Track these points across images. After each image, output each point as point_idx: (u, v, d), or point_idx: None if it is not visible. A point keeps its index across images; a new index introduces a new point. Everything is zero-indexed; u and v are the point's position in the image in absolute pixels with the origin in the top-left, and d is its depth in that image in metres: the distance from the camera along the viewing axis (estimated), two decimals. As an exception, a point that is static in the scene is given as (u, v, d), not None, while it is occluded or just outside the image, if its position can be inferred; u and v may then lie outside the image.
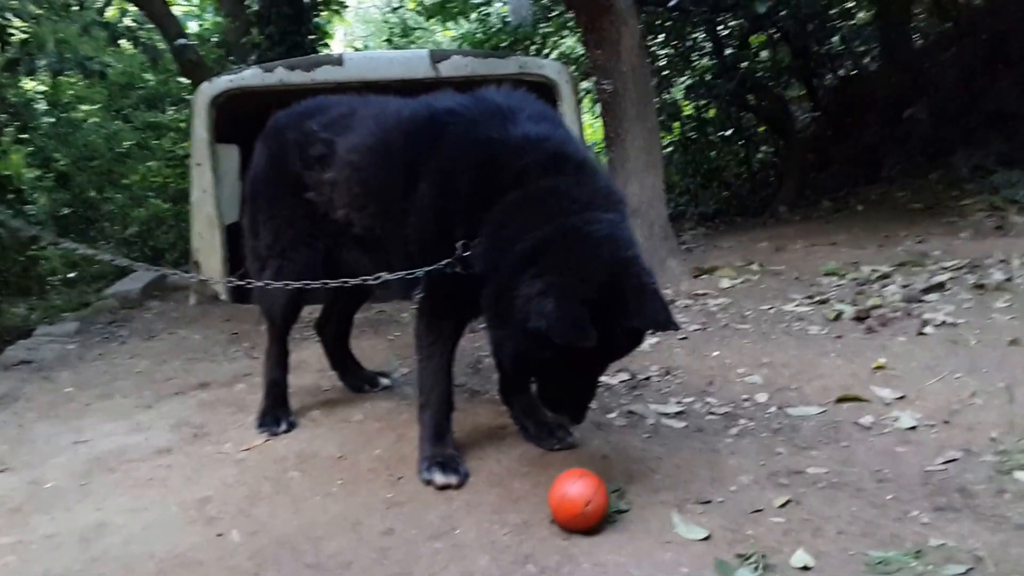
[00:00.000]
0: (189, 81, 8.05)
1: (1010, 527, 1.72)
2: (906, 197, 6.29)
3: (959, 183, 6.07)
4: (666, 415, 2.54)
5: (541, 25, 9.64)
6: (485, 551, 1.77)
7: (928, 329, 3.10)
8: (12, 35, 5.60)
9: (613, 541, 1.78)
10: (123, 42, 6.68)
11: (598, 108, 5.37)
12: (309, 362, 3.25)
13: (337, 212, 2.35)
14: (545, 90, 4.29)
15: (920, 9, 8.64)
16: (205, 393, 3.07)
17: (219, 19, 9.52)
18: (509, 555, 1.75)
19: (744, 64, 8.31)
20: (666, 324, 1.82)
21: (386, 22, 13.55)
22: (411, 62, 4.66)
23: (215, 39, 9.43)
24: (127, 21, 7.64)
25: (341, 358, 2.99)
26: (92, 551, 1.87)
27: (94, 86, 9.22)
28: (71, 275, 8.72)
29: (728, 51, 8.62)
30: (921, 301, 3.50)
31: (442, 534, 1.86)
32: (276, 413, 2.62)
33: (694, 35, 8.76)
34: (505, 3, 9.21)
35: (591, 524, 1.80)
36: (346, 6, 10.43)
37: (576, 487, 1.80)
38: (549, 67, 4.85)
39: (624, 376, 2.94)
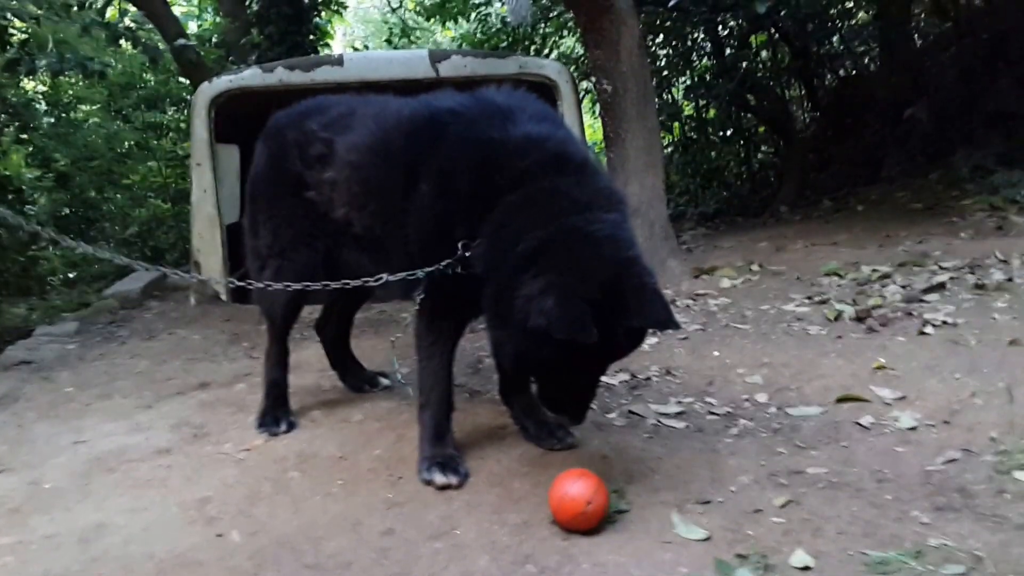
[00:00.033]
0: (189, 81, 8.06)
1: (1010, 527, 1.72)
2: (906, 197, 6.29)
3: (959, 183, 6.07)
4: (666, 415, 2.54)
5: (541, 25, 9.65)
6: (485, 551, 1.77)
7: (928, 329, 3.10)
8: (12, 35, 5.60)
9: (613, 541, 1.78)
10: (123, 42, 6.68)
11: (598, 108, 5.37)
12: (309, 362, 3.25)
13: (337, 212, 2.35)
14: (545, 90, 4.29)
15: (920, 9, 8.64)
16: (205, 393, 3.07)
17: (219, 19, 9.52)
18: (509, 555, 1.75)
19: (744, 64, 8.32)
20: (667, 323, 1.82)
21: (386, 22, 13.56)
22: (411, 62, 4.66)
23: (215, 39, 9.43)
24: (127, 21, 7.64)
25: (341, 358, 2.99)
26: (92, 551, 1.87)
27: (94, 86, 9.23)
28: (71, 275, 8.72)
29: (728, 51, 8.63)
30: (921, 301, 3.50)
31: (442, 534, 1.86)
32: (276, 413, 2.62)
33: (694, 35, 8.77)
34: (504, 3, 9.20)
35: (592, 524, 1.80)
36: (346, 6, 10.43)
37: (577, 487, 1.80)
38: (549, 67, 4.84)
39: (624, 376, 2.94)
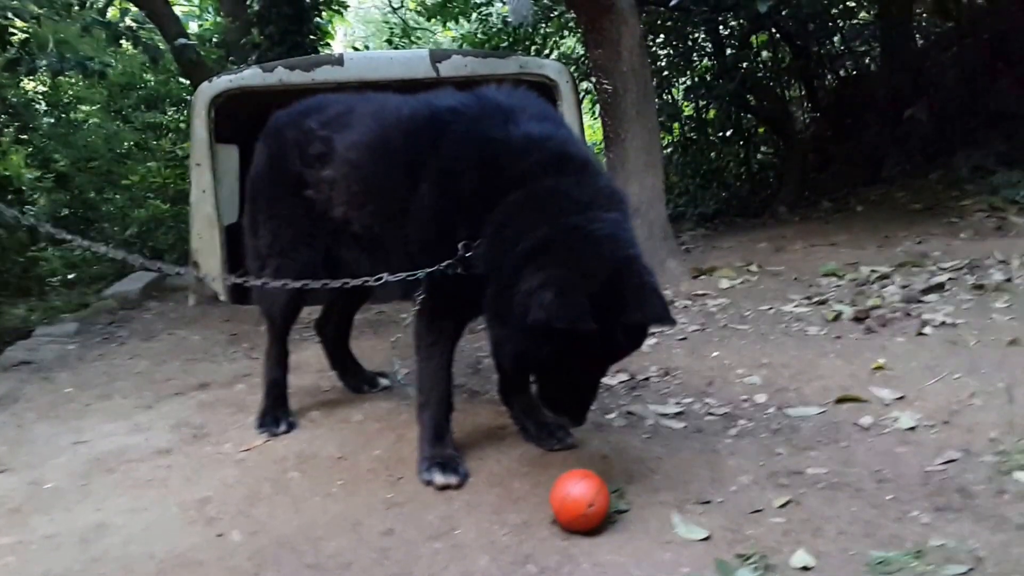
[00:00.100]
0: (189, 81, 8.06)
1: (1010, 527, 1.72)
2: (906, 197, 6.30)
3: (959, 183, 6.07)
4: (665, 416, 2.54)
5: (541, 25, 9.65)
6: (485, 551, 1.77)
7: (928, 329, 3.10)
8: (13, 35, 5.60)
9: (613, 541, 1.78)
10: (123, 42, 6.68)
11: (598, 108, 5.37)
12: (309, 362, 3.25)
13: (336, 210, 2.35)
14: (545, 90, 4.29)
15: (921, 9, 8.64)
16: (205, 394, 3.06)
17: (219, 19, 9.52)
18: (509, 555, 1.75)
19: (744, 64, 8.32)
20: (663, 318, 1.82)
21: (386, 22, 13.57)
22: (411, 62, 4.66)
23: (215, 39, 9.44)
24: (127, 21, 7.64)
25: (341, 358, 2.98)
26: (92, 551, 1.87)
27: (94, 86, 9.24)
28: (70, 276, 8.73)
29: (728, 51, 8.63)
30: (921, 301, 3.50)
31: (442, 534, 1.86)
32: (276, 413, 2.62)
33: (695, 35, 8.77)
34: (505, 3, 9.21)
35: (593, 525, 1.80)
36: (347, 6, 10.43)
37: (579, 488, 1.80)
38: (549, 67, 4.85)
39: (623, 377, 2.94)
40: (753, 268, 4.68)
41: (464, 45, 11.22)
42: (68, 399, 3.13)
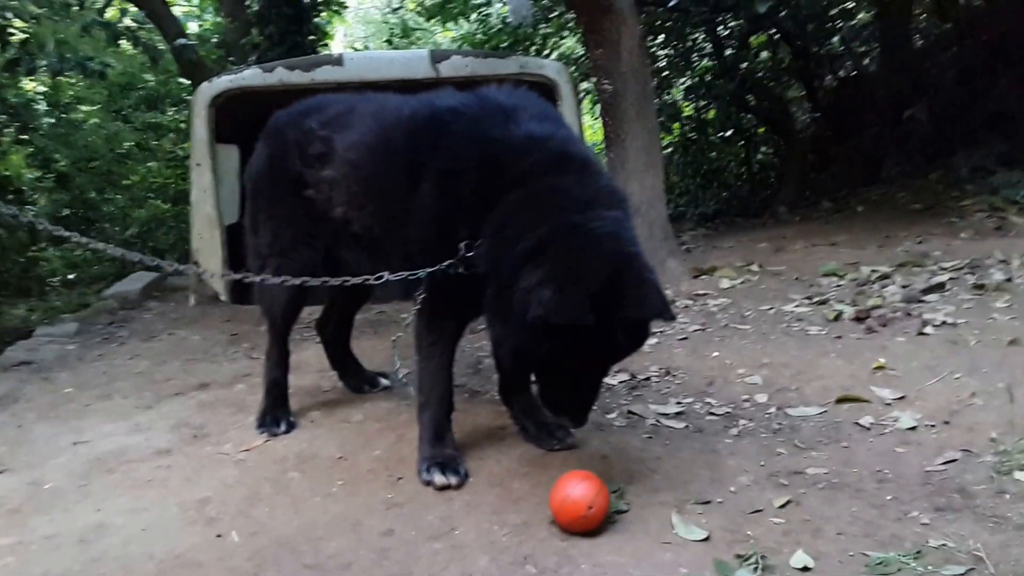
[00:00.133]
0: (189, 81, 8.06)
1: (1010, 527, 1.72)
2: (906, 198, 6.30)
3: (959, 183, 6.07)
4: (666, 416, 2.54)
5: (541, 26, 9.66)
6: (485, 552, 1.77)
7: (928, 329, 3.10)
8: (12, 35, 5.60)
9: (612, 541, 1.78)
10: (123, 42, 6.68)
11: (598, 108, 5.37)
12: (309, 362, 3.25)
13: (336, 210, 2.35)
14: (545, 90, 4.29)
15: (920, 10, 8.64)
16: (205, 394, 3.06)
17: (219, 19, 9.52)
18: (508, 556, 1.75)
19: (744, 65, 8.33)
20: (662, 312, 1.82)
21: (386, 22, 13.57)
22: (411, 62, 4.66)
23: (215, 39, 9.45)
24: (127, 21, 7.64)
25: (341, 358, 2.98)
26: (91, 552, 1.87)
27: (94, 87, 9.24)
28: (70, 276, 8.73)
29: (728, 52, 8.64)
30: (921, 301, 3.50)
31: (442, 535, 1.86)
32: (276, 413, 2.61)
33: (694, 36, 8.77)
34: (505, 4, 9.21)
35: (592, 527, 1.80)
36: (346, 6, 10.44)
37: (579, 490, 1.79)
38: (549, 67, 4.84)
39: (624, 377, 2.93)
40: (754, 268, 4.68)
41: (464, 45, 11.23)
42: (68, 399, 3.13)
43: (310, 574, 1.74)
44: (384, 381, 2.97)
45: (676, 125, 9.65)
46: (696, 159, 9.95)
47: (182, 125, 9.55)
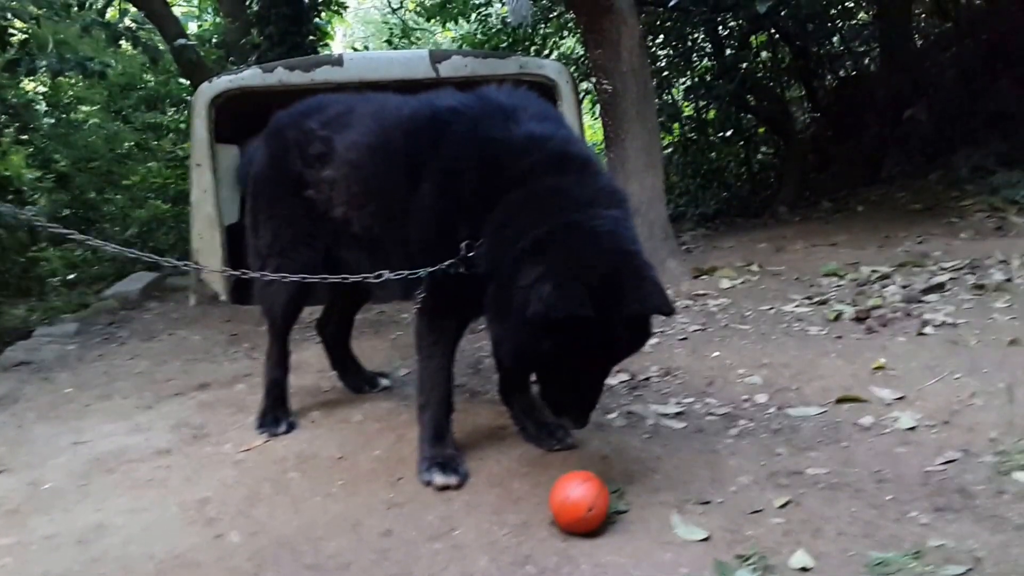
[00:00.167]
0: (189, 82, 8.06)
1: (1010, 528, 1.72)
2: (906, 198, 6.30)
3: (959, 183, 6.07)
4: (666, 416, 2.54)
5: (541, 26, 9.66)
6: (485, 552, 1.77)
7: (928, 329, 3.10)
8: (12, 36, 5.60)
9: (613, 542, 1.78)
10: (123, 42, 6.69)
11: (598, 108, 5.37)
12: (309, 363, 3.25)
13: (336, 211, 2.35)
14: (545, 90, 4.29)
15: (920, 9, 8.64)
16: (205, 394, 3.06)
17: (219, 20, 9.53)
18: (508, 556, 1.75)
19: (744, 65, 8.32)
20: (662, 306, 1.81)
21: (386, 23, 13.57)
22: (411, 62, 4.66)
23: (215, 40, 9.44)
24: (127, 21, 7.64)
25: (341, 358, 2.98)
26: (91, 552, 1.87)
27: (94, 87, 9.24)
28: (70, 276, 8.73)
29: (728, 51, 8.63)
30: (921, 301, 3.50)
31: (442, 535, 1.86)
32: (276, 414, 2.62)
33: (694, 35, 8.77)
34: (505, 4, 9.21)
35: (592, 528, 1.79)
36: (346, 7, 10.44)
37: (578, 491, 1.79)
38: (549, 67, 4.84)
39: (624, 377, 2.93)
40: (754, 268, 4.68)
41: (464, 45, 11.23)
42: (68, 399, 3.13)
43: (310, 574, 1.74)
44: (384, 381, 2.97)
45: (676, 125, 9.65)
46: (696, 159, 9.94)
47: (182, 125, 9.55)
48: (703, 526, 1.80)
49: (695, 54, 9.10)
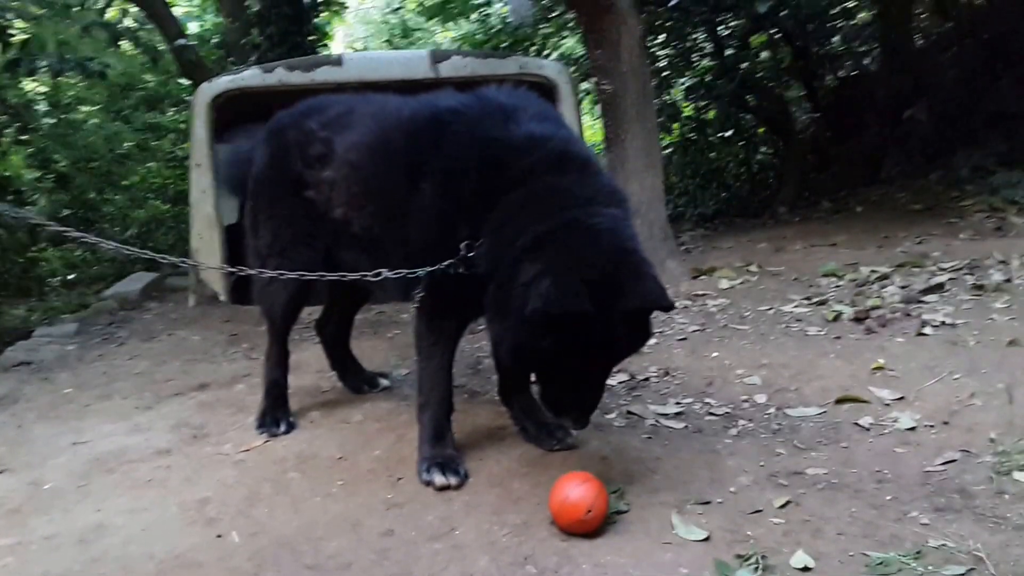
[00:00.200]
0: (189, 82, 8.06)
1: (1009, 528, 1.72)
2: (906, 198, 6.30)
3: (959, 184, 6.08)
4: (665, 416, 2.54)
5: (541, 26, 9.66)
6: (485, 552, 1.77)
7: (927, 330, 3.10)
8: (13, 36, 5.60)
9: (613, 542, 1.78)
10: (123, 43, 6.69)
11: (598, 109, 5.37)
12: (309, 363, 3.25)
13: (335, 211, 2.35)
14: (545, 90, 4.29)
15: (920, 9, 8.64)
16: (204, 394, 3.07)
17: (219, 20, 9.53)
18: (508, 556, 1.75)
19: (744, 65, 8.32)
20: (660, 301, 1.80)
21: (386, 23, 13.58)
22: (411, 63, 4.66)
23: (215, 40, 9.45)
24: (127, 22, 7.65)
25: (341, 359, 2.98)
26: (91, 552, 1.87)
27: (94, 87, 9.24)
28: (70, 277, 8.74)
29: (728, 52, 8.63)
30: (920, 302, 3.50)
31: (442, 535, 1.86)
32: (276, 414, 2.62)
33: (694, 35, 8.77)
34: (505, 4, 9.22)
35: (591, 529, 1.79)
36: (346, 7, 10.45)
37: (577, 492, 1.79)
38: (549, 67, 4.84)
39: (623, 377, 2.94)
40: (753, 268, 4.68)
41: (464, 45, 11.23)
42: (68, 400, 3.13)
43: (310, 574, 1.74)
44: (384, 381, 2.97)
45: (676, 125, 9.65)
46: (696, 159, 9.94)
47: (182, 125, 9.56)
48: (703, 526, 1.80)
49: (695, 54, 9.09)
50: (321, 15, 9.08)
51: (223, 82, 4.63)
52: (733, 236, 6.22)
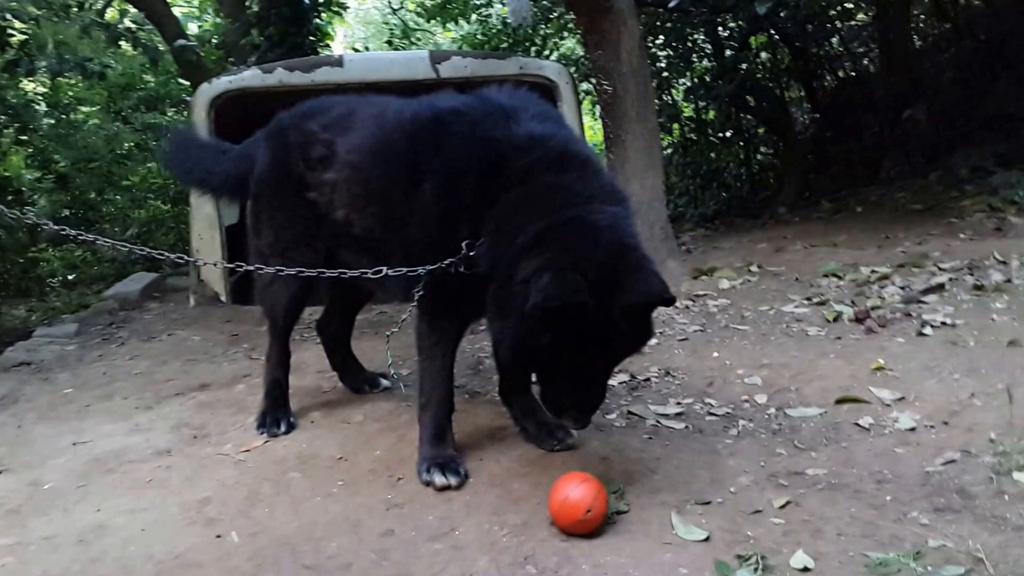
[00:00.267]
0: (189, 82, 8.07)
1: (1009, 528, 1.72)
2: (905, 198, 6.30)
3: (958, 184, 6.08)
4: (666, 416, 2.54)
5: (541, 26, 9.66)
6: (485, 552, 1.77)
7: (927, 330, 3.10)
8: (12, 36, 5.61)
9: (613, 542, 1.78)
10: (123, 43, 6.69)
11: (598, 109, 5.38)
12: (309, 363, 3.25)
13: (337, 213, 2.35)
14: (545, 91, 4.30)
15: (919, 10, 8.65)
16: (205, 394, 3.07)
17: (219, 20, 9.53)
18: (508, 556, 1.75)
19: (744, 65, 8.33)
20: (662, 294, 1.79)
21: (386, 23, 13.58)
22: (411, 63, 4.67)
23: (215, 40, 9.44)
24: (127, 22, 7.64)
25: (342, 359, 2.99)
26: (91, 552, 1.87)
27: (94, 87, 9.24)
28: (70, 277, 8.74)
29: (728, 52, 8.64)
30: (920, 302, 3.50)
31: (442, 535, 1.86)
32: (276, 414, 2.62)
33: (694, 36, 8.78)
34: (505, 4, 9.22)
35: (590, 529, 1.80)
36: (346, 7, 10.44)
37: (577, 492, 1.79)
38: (549, 68, 4.86)
39: (624, 377, 2.94)
40: (753, 269, 4.68)
41: (464, 46, 11.23)
42: (68, 400, 3.13)
43: (310, 574, 1.74)
44: (384, 382, 2.97)
45: (676, 126, 9.66)
46: (696, 160, 9.95)
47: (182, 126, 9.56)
48: (703, 526, 1.80)
49: (695, 55, 9.10)
50: (321, 16, 9.07)
51: (223, 83, 4.64)
52: (733, 236, 6.22)
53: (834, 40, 8.58)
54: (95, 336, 4.33)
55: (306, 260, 2.46)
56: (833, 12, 7.99)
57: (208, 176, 2.84)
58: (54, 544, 1.92)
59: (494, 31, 10.42)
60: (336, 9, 9.65)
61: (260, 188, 2.63)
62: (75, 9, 7.05)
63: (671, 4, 6.44)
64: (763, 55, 9.26)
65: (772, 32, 8.34)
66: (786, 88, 9.36)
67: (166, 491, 2.19)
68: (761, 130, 9.68)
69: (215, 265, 3.22)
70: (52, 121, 9.34)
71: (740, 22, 8.10)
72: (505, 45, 9.96)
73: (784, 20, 7.35)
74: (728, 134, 9.77)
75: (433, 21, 11.64)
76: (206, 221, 4.65)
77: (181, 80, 9.20)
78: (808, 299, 3.86)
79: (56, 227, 2.35)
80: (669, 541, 1.76)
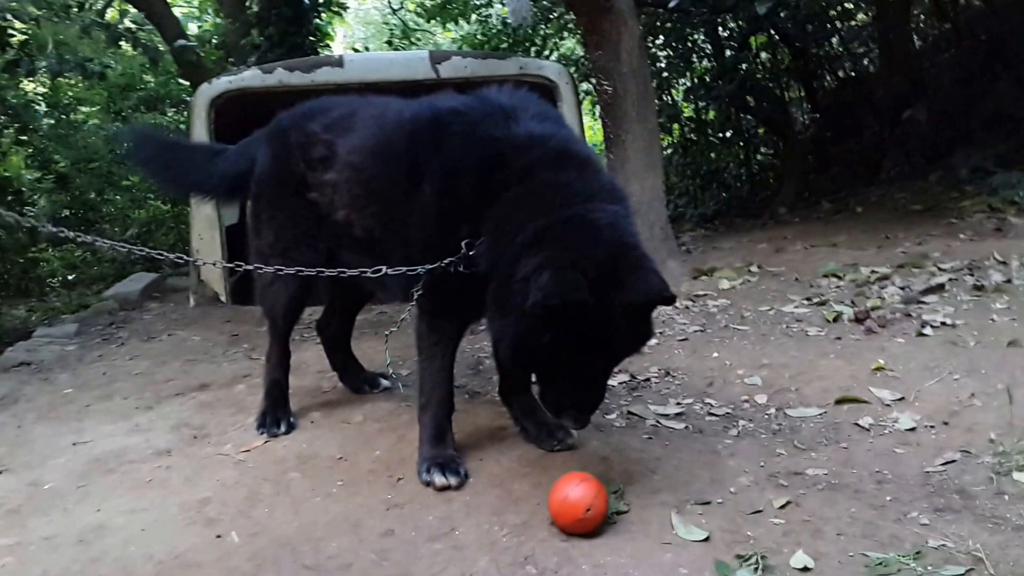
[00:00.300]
0: (189, 83, 8.07)
1: (1009, 528, 1.72)
2: (905, 198, 6.30)
3: (958, 184, 6.08)
4: (666, 416, 2.54)
5: (541, 26, 9.67)
6: (485, 552, 1.77)
7: (927, 330, 3.10)
8: (12, 36, 5.61)
9: (613, 542, 1.78)
10: (123, 43, 6.70)
11: (598, 109, 5.38)
12: (309, 363, 3.25)
13: (338, 213, 2.35)
14: (545, 91, 4.30)
15: (919, 10, 8.65)
16: (205, 394, 3.07)
17: (219, 20, 9.53)
18: (509, 556, 1.75)
19: (744, 66, 8.34)
20: (662, 293, 1.79)
21: (386, 23, 13.59)
22: (411, 63, 4.67)
23: (215, 40, 9.45)
24: (127, 22, 7.65)
25: (342, 359, 2.99)
26: (91, 552, 1.87)
27: (94, 88, 9.25)
28: (70, 277, 8.74)
29: (728, 53, 8.65)
30: (920, 302, 3.51)
31: (442, 535, 1.86)
32: (276, 414, 2.62)
33: (694, 37, 8.78)
34: (505, 5, 9.22)
35: (590, 529, 1.80)
36: (346, 8, 10.44)
37: (577, 492, 1.79)
38: (549, 68, 4.86)
39: (624, 377, 2.94)
40: (753, 269, 4.69)
41: (464, 46, 11.24)
42: (68, 400, 3.13)
43: (310, 574, 1.74)
44: (384, 382, 2.97)
45: (676, 126, 9.67)
46: (696, 160, 9.96)
47: (182, 126, 9.56)
48: (703, 526, 1.80)
49: (695, 55, 9.11)
50: (321, 16, 9.07)
51: (223, 83, 4.64)
52: (733, 236, 6.22)
53: (834, 40, 8.59)
54: (95, 336, 4.33)
55: (307, 260, 2.46)
56: (833, 12, 8.00)
57: (204, 180, 2.81)
58: (54, 544, 1.92)
59: (494, 31, 10.43)
60: (336, 9, 9.66)
61: (261, 188, 2.63)
62: (75, 9, 7.05)
63: (671, 4, 6.44)
64: (763, 55, 9.26)
65: (772, 32, 8.34)
66: (786, 88, 9.36)
67: (166, 491, 2.19)
68: (761, 130, 9.69)
69: (215, 265, 3.23)
70: (52, 121, 9.35)
71: (740, 22, 8.10)
72: (505, 45, 9.97)
73: (784, 20, 7.35)
74: (728, 134, 9.78)
75: (433, 21, 11.65)
76: (206, 221, 4.65)
77: (181, 80, 9.21)
78: (808, 299, 3.86)
79: (54, 229, 2.35)
80: (669, 541, 1.76)
